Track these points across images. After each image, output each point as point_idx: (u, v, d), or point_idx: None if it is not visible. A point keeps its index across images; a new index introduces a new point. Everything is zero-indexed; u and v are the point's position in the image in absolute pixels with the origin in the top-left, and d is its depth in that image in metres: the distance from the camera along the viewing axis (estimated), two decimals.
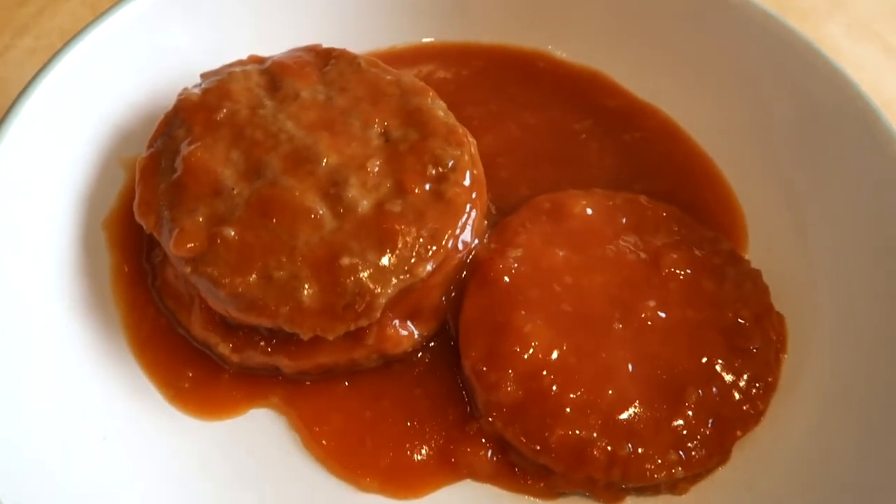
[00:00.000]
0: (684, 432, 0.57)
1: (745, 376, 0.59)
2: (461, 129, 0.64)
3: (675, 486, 0.58)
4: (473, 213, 0.61)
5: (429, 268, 0.57)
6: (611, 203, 0.67)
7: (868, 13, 0.98)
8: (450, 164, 0.60)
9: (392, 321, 0.60)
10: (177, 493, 0.57)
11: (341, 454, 0.59)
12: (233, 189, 0.58)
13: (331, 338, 0.55)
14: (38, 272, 0.60)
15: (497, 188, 0.69)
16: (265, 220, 0.57)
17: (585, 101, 0.77)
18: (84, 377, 0.59)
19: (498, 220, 0.67)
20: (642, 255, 0.64)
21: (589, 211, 0.66)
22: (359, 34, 0.79)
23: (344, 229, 0.57)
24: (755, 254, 0.68)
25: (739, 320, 0.62)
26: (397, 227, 0.57)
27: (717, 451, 0.57)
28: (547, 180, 0.71)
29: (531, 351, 0.58)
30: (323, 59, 0.67)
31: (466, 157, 0.61)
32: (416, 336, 0.61)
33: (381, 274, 0.56)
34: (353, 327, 0.55)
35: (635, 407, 0.57)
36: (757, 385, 0.59)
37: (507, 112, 0.76)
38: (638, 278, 0.63)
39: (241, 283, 0.55)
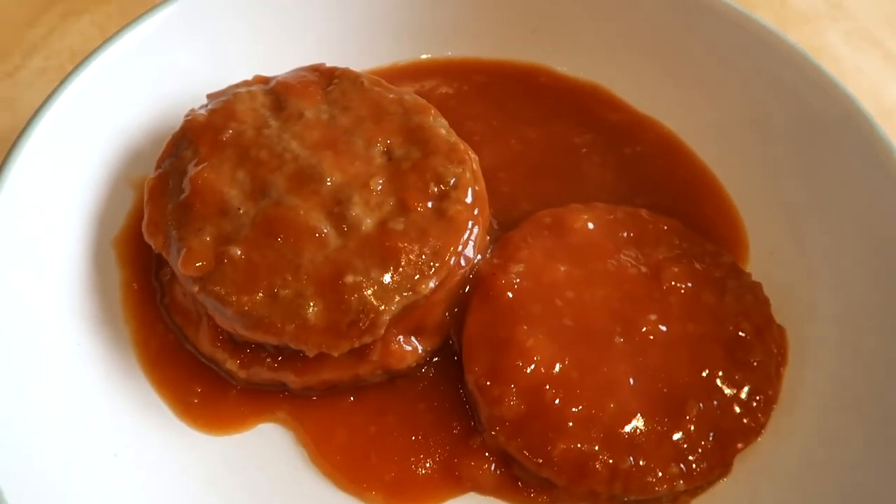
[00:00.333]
0: (686, 445, 0.57)
1: (746, 389, 0.60)
2: (463, 146, 0.65)
3: (676, 499, 0.59)
4: (476, 230, 0.62)
5: (432, 285, 0.58)
6: (612, 217, 0.68)
7: (868, 20, 0.98)
8: (451, 181, 0.61)
9: (396, 337, 0.61)
10: None
11: (347, 468, 0.60)
12: (239, 209, 0.59)
13: (336, 355, 0.56)
14: (49, 290, 0.61)
15: (499, 203, 0.70)
16: (271, 239, 0.58)
17: (586, 116, 0.78)
18: (95, 393, 0.60)
19: (500, 235, 0.68)
20: (643, 269, 0.65)
21: (590, 225, 0.67)
22: (361, 51, 0.80)
23: (348, 247, 0.58)
24: (756, 266, 0.69)
25: (740, 333, 0.62)
26: (400, 244, 0.58)
27: (719, 464, 0.58)
28: (548, 194, 0.72)
29: (533, 365, 0.59)
30: (326, 79, 0.68)
31: (468, 175, 0.62)
32: (419, 351, 0.62)
33: (384, 291, 0.57)
34: (357, 344, 0.56)
35: (637, 420, 0.58)
36: (758, 398, 0.60)
37: (508, 127, 0.77)
38: (639, 292, 0.64)
39: (247, 301, 0.56)
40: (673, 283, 0.64)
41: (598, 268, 0.65)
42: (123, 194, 0.68)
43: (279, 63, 0.72)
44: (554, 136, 0.76)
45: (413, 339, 0.62)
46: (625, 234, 0.67)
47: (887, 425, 0.57)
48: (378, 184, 0.61)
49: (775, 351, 0.62)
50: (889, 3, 1.00)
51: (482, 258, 0.64)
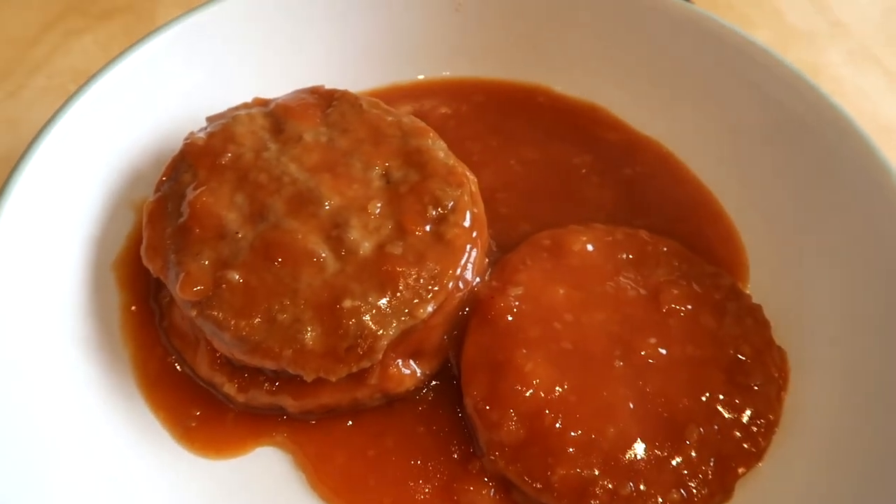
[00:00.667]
0: (686, 471, 0.57)
1: (747, 413, 0.60)
2: (461, 169, 0.65)
3: None
4: (474, 253, 0.62)
5: (430, 309, 0.58)
6: (611, 238, 0.68)
7: (868, 40, 0.98)
8: (450, 204, 0.61)
9: (394, 361, 0.61)
10: None
11: (346, 492, 0.59)
12: (237, 233, 0.59)
13: (334, 379, 0.56)
14: (48, 312, 0.61)
15: (497, 224, 0.70)
16: (269, 263, 0.58)
17: (585, 136, 0.78)
18: (93, 416, 0.60)
19: (499, 257, 0.67)
20: (642, 292, 0.65)
21: (589, 247, 0.67)
22: (360, 71, 0.80)
23: (346, 271, 0.58)
24: (756, 288, 0.69)
25: (740, 356, 0.62)
26: (398, 269, 0.58)
27: (720, 490, 0.57)
28: (547, 215, 0.72)
29: (532, 390, 0.59)
30: (325, 101, 0.68)
31: (466, 198, 0.62)
32: (418, 375, 0.62)
33: (382, 316, 0.57)
34: (355, 369, 0.56)
35: (637, 445, 0.57)
36: (759, 422, 0.59)
37: (506, 147, 0.77)
38: (638, 315, 0.63)
39: (245, 326, 0.56)
40: (672, 305, 0.64)
41: (597, 290, 0.65)
42: (124, 216, 0.69)
43: (278, 84, 0.72)
44: (553, 157, 0.76)
45: (411, 362, 0.62)
46: (624, 256, 0.67)
47: (890, 450, 0.56)
48: (376, 207, 0.61)
49: (776, 374, 0.62)
50: (890, 21, 1.00)
51: (481, 281, 0.64)
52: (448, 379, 0.64)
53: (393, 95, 0.79)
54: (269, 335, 0.56)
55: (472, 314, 0.63)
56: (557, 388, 0.59)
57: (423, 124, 0.67)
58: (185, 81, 0.73)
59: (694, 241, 0.71)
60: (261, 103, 0.69)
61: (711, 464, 0.58)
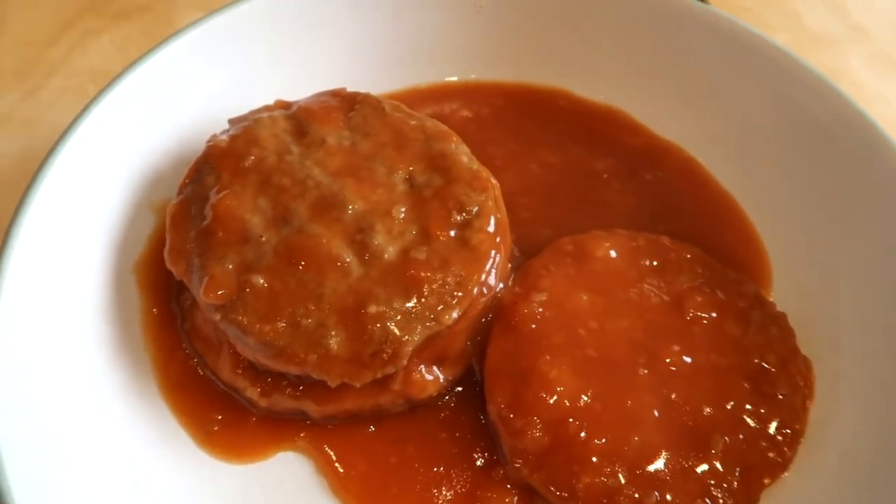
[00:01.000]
0: (712, 481, 0.57)
1: (773, 423, 0.59)
2: (485, 174, 0.64)
3: None
4: (498, 258, 0.61)
5: (455, 315, 0.57)
6: (634, 244, 0.68)
7: (888, 44, 0.97)
8: (474, 209, 0.61)
9: (418, 366, 0.60)
10: None
11: (367, 499, 0.59)
12: (261, 236, 0.59)
13: (358, 385, 0.56)
14: (71, 315, 0.61)
15: (519, 229, 0.70)
16: (293, 267, 0.58)
17: (606, 140, 0.77)
18: (115, 421, 0.60)
19: (521, 262, 0.67)
20: (666, 299, 0.64)
21: (612, 253, 0.66)
22: (381, 74, 0.80)
23: (370, 276, 0.58)
24: (780, 296, 0.68)
25: (765, 365, 0.62)
26: (423, 274, 0.58)
27: (745, 500, 0.57)
28: (569, 220, 0.71)
29: (556, 397, 0.58)
30: (348, 104, 0.68)
31: (490, 203, 0.62)
32: (441, 381, 0.62)
33: (407, 321, 0.56)
34: (380, 375, 0.56)
35: (662, 454, 0.57)
36: (784, 432, 0.59)
37: (527, 151, 0.77)
38: (662, 322, 0.63)
39: (269, 330, 0.56)
40: (696, 312, 0.64)
41: (620, 297, 0.64)
42: (145, 218, 0.68)
43: (300, 87, 0.72)
44: (574, 161, 0.76)
45: (435, 368, 0.61)
46: (647, 263, 0.67)
47: None
48: (400, 212, 0.61)
49: (801, 384, 0.61)
50: None
51: (504, 286, 0.64)
52: (471, 385, 0.64)
53: (413, 98, 0.79)
54: (293, 340, 0.56)
55: (495, 320, 0.62)
56: (582, 395, 0.59)
57: (446, 128, 0.67)
58: (207, 84, 0.73)
59: (716, 248, 0.70)
60: (283, 106, 0.68)
61: (737, 473, 0.57)
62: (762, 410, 0.59)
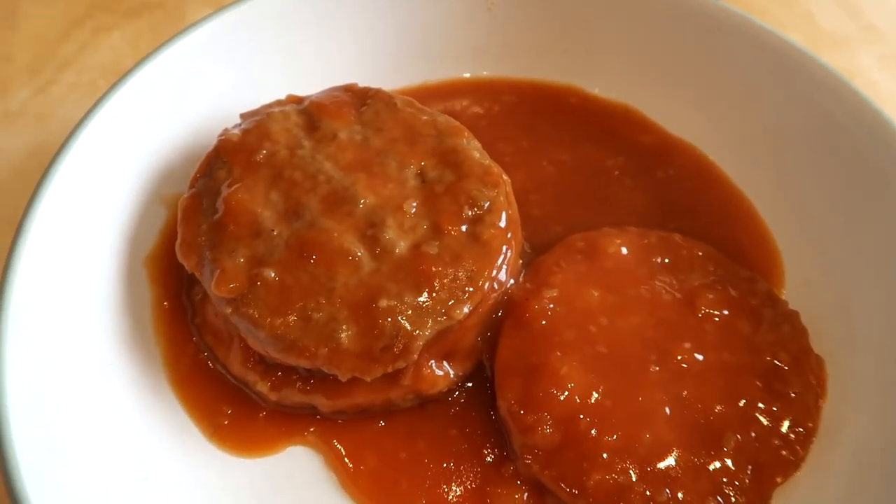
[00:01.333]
0: (724, 479, 0.56)
1: (784, 421, 0.59)
2: (496, 170, 0.64)
3: None
4: (509, 254, 0.61)
5: (466, 310, 0.57)
6: (645, 241, 0.67)
7: None
8: (486, 205, 0.61)
9: (428, 361, 0.60)
10: None
11: (377, 494, 0.59)
12: (272, 230, 0.59)
13: (369, 380, 0.56)
14: (82, 308, 0.61)
15: (530, 226, 0.70)
16: (304, 261, 0.58)
17: (618, 138, 0.77)
18: (126, 415, 0.60)
19: (532, 259, 0.67)
20: (677, 296, 0.64)
21: (623, 250, 0.66)
22: (392, 69, 0.80)
23: (381, 271, 0.58)
24: (792, 294, 0.68)
25: (777, 363, 0.61)
26: (434, 269, 0.57)
27: (757, 499, 0.56)
28: (580, 218, 0.71)
29: (567, 393, 0.58)
30: (360, 99, 0.68)
31: (502, 198, 0.62)
32: (451, 376, 0.62)
33: (418, 316, 0.56)
34: (390, 369, 0.56)
35: (673, 452, 0.57)
36: (797, 430, 0.59)
37: (539, 148, 0.76)
38: (673, 319, 0.63)
39: (280, 324, 0.56)
40: (708, 310, 0.63)
41: (632, 294, 0.64)
42: (156, 212, 0.68)
43: (311, 82, 0.72)
44: (585, 158, 0.76)
45: (445, 363, 0.61)
46: (658, 260, 0.66)
47: None
48: (412, 206, 0.61)
49: (814, 382, 0.61)
50: None
51: (515, 282, 0.63)
52: (481, 381, 0.63)
53: (424, 94, 0.79)
54: (304, 334, 0.56)
55: (506, 316, 0.62)
56: (593, 392, 0.58)
57: (457, 123, 0.67)
58: (218, 79, 0.73)
59: (727, 246, 0.70)
60: (294, 100, 0.68)
61: (749, 472, 0.57)
62: (774, 409, 0.59)
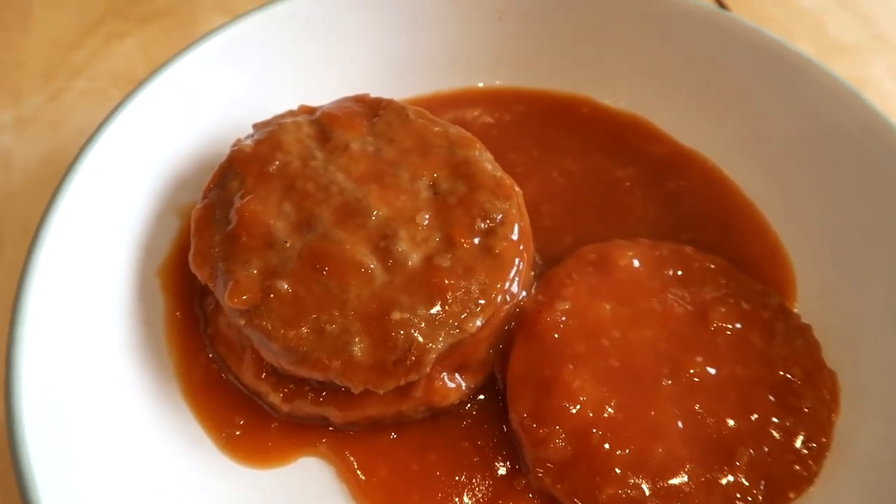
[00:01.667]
0: (736, 494, 0.56)
1: (797, 436, 0.59)
2: (509, 181, 0.64)
3: None
4: (521, 266, 0.61)
5: (479, 322, 0.57)
6: (657, 254, 0.67)
7: None
8: (498, 217, 0.61)
9: (440, 374, 0.60)
10: None
11: None
12: (285, 242, 0.59)
13: (381, 392, 0.56)
14: (94, 317, 0.62)
15: (541, 237, 0.70)
16: (317, 273, 0.58)
17: (629, 148, 0.77)
18: (139, 425, 0.60)
19: (544, 271, 0.67)
20: (690, 309, 0.64)
21: (635, 262, 0.66)
22: (403, 79, 0.80)
23: (394, 283, 0.58)
24: (804, 307, 0.68)
25: (790, 377, 0.61)
26: (447, 281, 0.57)
27: None
28: (591, 229, 0.71)
29: (580, 406, 0.58)
30: (372, 110, 0.68)
31: (514, 211, 0.62)
32: (463, 388, 0.62)
33: (431, 329, 0.56)
34: (403, 382, 0.56)
35: (686, 466, 0.57)
36: (810, 445, 0.58)
37: (549, 159, 0.76)
38: (686, 333, 0.63)
39: (293, 336, 0.56)
40: (720, 323, 0.63)
41: (644, 306, 0.64)
42: (169, 222, 0.69)
43: (323, 92, 0.72)
44: (596, 169, 0.76)
45: (457, 375, 0.61)
46: (670, 272, 0.66)
47: None
48: (424, 218, 0.61)
49: (827, 397, 0.61)
50: None
51: (527, 295, 0.63)
52: (493, 393, 0.63)
53: (435, 104, 0.79)
54: (317, 346, 0.56)
55: (518, 328, 0.62)
56: (605, 405, 0.58)
57: (469, 135, 0.67)
58: (231, 89, 0.73)
59: (739, 257, 0.70)
60: (307, 111, 0.68)
61: (762, 487, 0.57)
62: (787, 423, 0.59)
